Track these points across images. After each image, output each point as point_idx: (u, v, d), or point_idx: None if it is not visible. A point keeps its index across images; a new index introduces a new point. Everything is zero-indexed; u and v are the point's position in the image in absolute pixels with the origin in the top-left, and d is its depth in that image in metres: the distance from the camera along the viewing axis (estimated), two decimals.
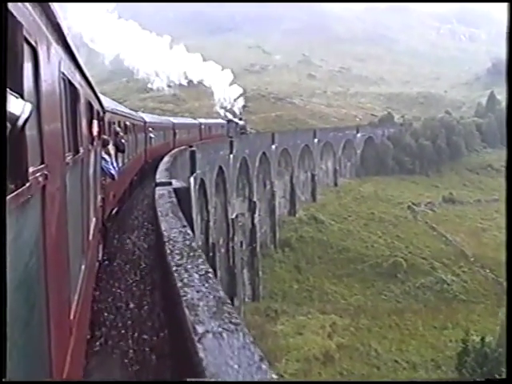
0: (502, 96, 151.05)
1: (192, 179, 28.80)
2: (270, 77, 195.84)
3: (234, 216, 53.43)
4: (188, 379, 2.61)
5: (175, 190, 8.46)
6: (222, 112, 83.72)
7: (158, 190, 8.35)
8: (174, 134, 35.40)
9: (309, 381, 46.03)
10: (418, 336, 53.61)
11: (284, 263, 69.34)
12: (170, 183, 9.43)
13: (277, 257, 70.40)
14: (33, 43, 2.44)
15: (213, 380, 2.24)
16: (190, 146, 30.41)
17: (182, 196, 8.31)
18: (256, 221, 63.25)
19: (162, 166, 14.35)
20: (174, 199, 7.35)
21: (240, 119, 70.98)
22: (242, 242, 60.55)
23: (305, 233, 75.00)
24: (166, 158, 17.94)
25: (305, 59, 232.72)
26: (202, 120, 53.41)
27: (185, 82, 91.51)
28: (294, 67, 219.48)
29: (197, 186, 32.00)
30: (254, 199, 63.14)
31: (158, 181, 9.89)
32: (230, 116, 74.10)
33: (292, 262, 69.56)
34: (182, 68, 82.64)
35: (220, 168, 45.98)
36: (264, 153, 66.94)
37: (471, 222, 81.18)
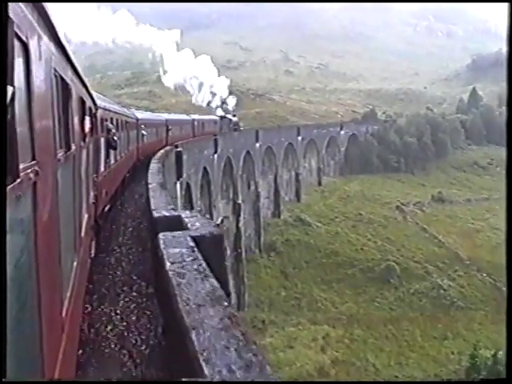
0: (483, 92, 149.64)
1: (178, 185, 24.59)
2: (248, 73, 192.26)
3: (219, 221, 49.16)
4: (187, 379, 2.52)
5: (197, 242, 4.35)
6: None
7: (167, 247, 4.18)
8: (167, 130, 35.00)
9: (309, 381, 43.61)
10: (417, 348, 50.09)
11: (270, 268, 65.27)
12: (179, 219, 5.32)
13: (262, 262, 66.31)
14: (24, 39, 2.42)
15: (213, 380, 2.16)
16: (176, 146, 26.40)
17: (208, 252, 4.24)
18: (241, 224, 59.09)
19: (153, 178, 10.30)
20: (214, 282, 3.24)
21: (234, 115, 68.19)
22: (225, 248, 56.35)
23: (291, 236, 70.95)
24: (153, 165, 13.93)
25: (282, 55, 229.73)
26: (195, 116, 51.93)
27: None
28: (271, 64, 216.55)
29: (183, 192, 27.79)
30: (239, 201, 58.98)
31: (156, 215, 5.75)
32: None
33: (278, 267, 65.51)
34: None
35: (204, 169, 41.78)
36: (248, 151, 62.81)
37: (463, 223, 77.95)
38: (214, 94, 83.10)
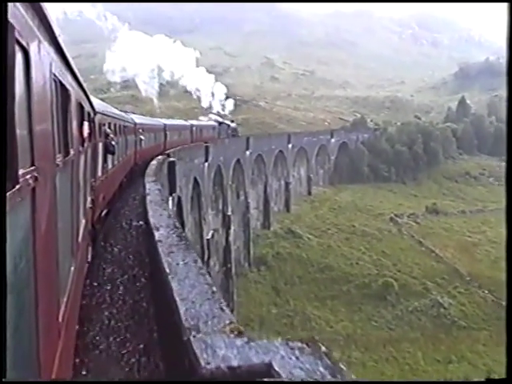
0: (471, 101, 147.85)
1: (170, 201, 20.95)
2: (233, 79, 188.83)
3: (209, 236, 45.36)
4: (187, 380, 2.46)
5: None
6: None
7: None
8: (165, 135, 34.66)
9: (308, 381, 39.64)
10: (421, 372, 46.69)
11: (260, 284, 61.51)
12: None
13: (252, 276, 62.54)
14: (24, 44, 2.44)
15: (214, 380, 2.16)
16: (168, 156, 22.92)
17: None
18: (231, 238, 55.33)
19: (157, 215, 6.47)
20: None
21: (232, 121, 67.50)
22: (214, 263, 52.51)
23: (281, 249, 67.20)
24: (151, 186, 10.27)
25: (267, 61, 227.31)
26: (194, 122, 52.38)
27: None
28: (256, 69, 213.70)
29: (174, 208, 24.11)
30: (229, 213, 55.23)
31: (208, 366, 2.17)
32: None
33: (269, 282, 61.75)
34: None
35: (195, 180, 38.05)
36: (238, 160, 59.17)
37: (459, 236, 74.73)
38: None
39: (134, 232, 11.68)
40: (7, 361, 1.96)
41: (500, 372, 44.08)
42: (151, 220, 6.34)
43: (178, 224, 5.96)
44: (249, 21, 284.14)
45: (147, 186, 10.69)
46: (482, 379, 43.15)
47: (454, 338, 51.81)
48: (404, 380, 44.25)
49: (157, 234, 5.41)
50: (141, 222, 12.06)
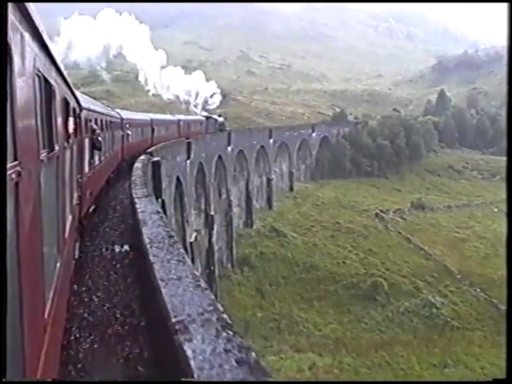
0: (450, 94, 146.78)
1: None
2: (209, 73, 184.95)
3: (192, 239, 42.48)
4: (187, 379, 2.46)
5: None
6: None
7: None
8: (152, 130, 34.59)
9: (308, 381, 41.35)
10: (416, 377, 44.29)
11: (244, 286, 58.76)
12: None
13: (235, 278, 59.73)
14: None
15: (211, 381, 2.16)
16: (151, 155, 20.32)
17: None
18: (214, 239, 52.46)
19: (174, 279, 3.79)
20: None
21: (219, 116, 66.00)
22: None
23: (265, 248, 64.43)
24: (144, 206, 7.52)
25: (243, 55, 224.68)
26: (181, 116, 52.04)
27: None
28: (232, 64, 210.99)
29: None
30: (212, 212, 52.35)
31: None
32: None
33: (253, 283, 59.03)
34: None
35: (177, 179, 35.17)
36: (220, 156, 56.35)
37: (447, 232, 72.68)
38: None
39: (118, 265, 8.81)
40: None
41: (484, 366, 42.60)
42: (162, 290, 3.46)
43: (214, 299, 3.17)
44: (222, 14, 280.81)
45: (138, 204, 7.76)
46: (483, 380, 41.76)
47: (448, 340, 49.68)
48: (404, 380, 42.55)
49: (183, 332, 2.55)
50: (125, 248, 9.39)
